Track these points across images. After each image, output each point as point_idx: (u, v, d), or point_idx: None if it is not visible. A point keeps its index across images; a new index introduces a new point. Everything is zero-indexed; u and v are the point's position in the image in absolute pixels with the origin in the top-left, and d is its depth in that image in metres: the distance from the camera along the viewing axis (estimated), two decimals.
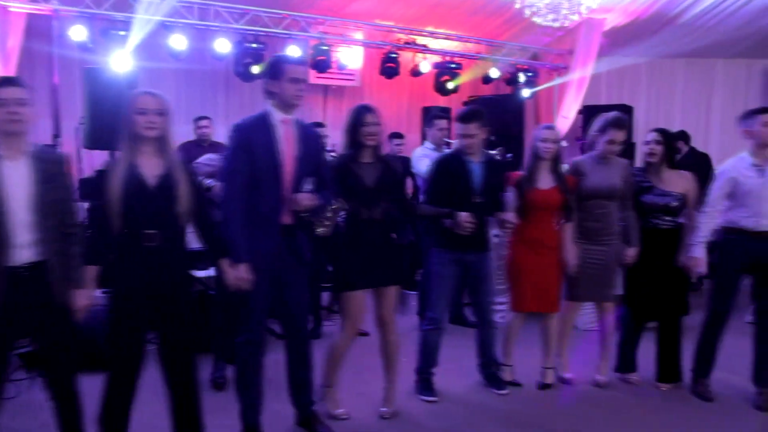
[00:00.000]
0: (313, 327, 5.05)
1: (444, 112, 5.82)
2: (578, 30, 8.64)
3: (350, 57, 7.72)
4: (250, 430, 3.11)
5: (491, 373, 3.98)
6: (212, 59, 7.24)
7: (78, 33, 6.29)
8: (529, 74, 8.85)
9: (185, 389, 2.82)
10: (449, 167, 3.69)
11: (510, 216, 3.70)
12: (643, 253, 3.91)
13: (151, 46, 6.76)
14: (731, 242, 3.79)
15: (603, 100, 9.52)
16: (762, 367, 3.86)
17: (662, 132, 3.95)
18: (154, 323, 2.72)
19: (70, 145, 6.13)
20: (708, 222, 3.83)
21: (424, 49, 8.12)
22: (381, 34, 7.95)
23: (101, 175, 2.68)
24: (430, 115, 5.68)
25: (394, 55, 7.82)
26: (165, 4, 6.50)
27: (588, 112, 9.07)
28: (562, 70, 9.05)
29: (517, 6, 5.40)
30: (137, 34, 6.40)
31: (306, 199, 2.93)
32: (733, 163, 3.87)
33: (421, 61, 8.08)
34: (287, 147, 2.96)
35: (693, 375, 3.97)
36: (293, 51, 7.33)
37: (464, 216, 3.45)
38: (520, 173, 3.92)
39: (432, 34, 8.13)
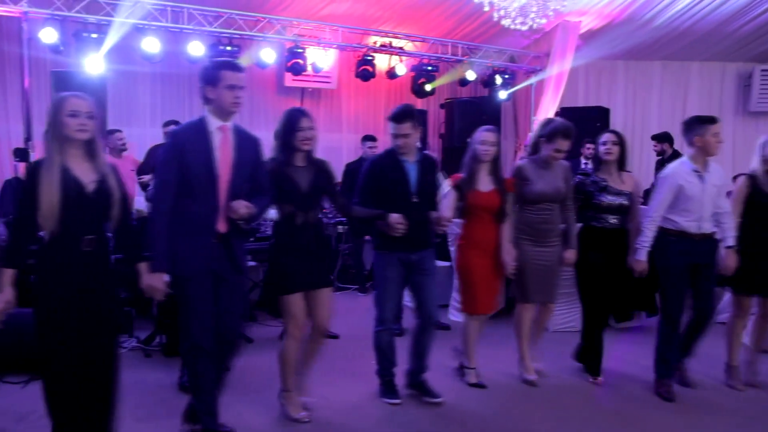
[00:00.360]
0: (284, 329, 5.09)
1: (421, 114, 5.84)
2: (554, 33, 8.73)
3: (325, 59, 7.72)
4: None
5: (421, 381, 3.82)
6: (186, 62, 7.22)
7: (48, 35, 6.25)
8: (506, 76, 8.90)
9: (104, 391, 2.76)
10: (384, 168, 3.62)
11: (445, 215, 3.66)
12: (598, 252, 3.99)
13: (124, 49, 6.75)
14: (674, 244, 3.86)
15: (581, 102, 9.63)
16: (685, 350, 4.04)
17: (617, 133, 4.07)
18: (81, 327, 2.66)
19: (41, 149, 6.08)
20: (653, 227, 3.90)
21: (400, 51, 8.14)
22: (356, 36, 7.96)
23: (30, 178, 2.61)
24: None
25: (369, 58, 7.84)
26: (138, 6, 6.49)
27: (565, 114, 9.18)
28: (539, 72, 9.11)
29: (486, 9, 5.41)
30: (110, 36, 6.38)
31: (242, 207, 2.90)
32: (675, 168, 3.95)
33: (397, 64, 8.09)
34: (223, 154, 2.91)
35: (655, 376, 4.01)
36: (267, 54, 7.35)
37: (395, 217, 3.38)
38: (460, 175, 3.92)
39: (408, 37, 8.15)
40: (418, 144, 3.95)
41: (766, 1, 7.73)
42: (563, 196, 3.95)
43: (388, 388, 3.76)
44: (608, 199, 3.96)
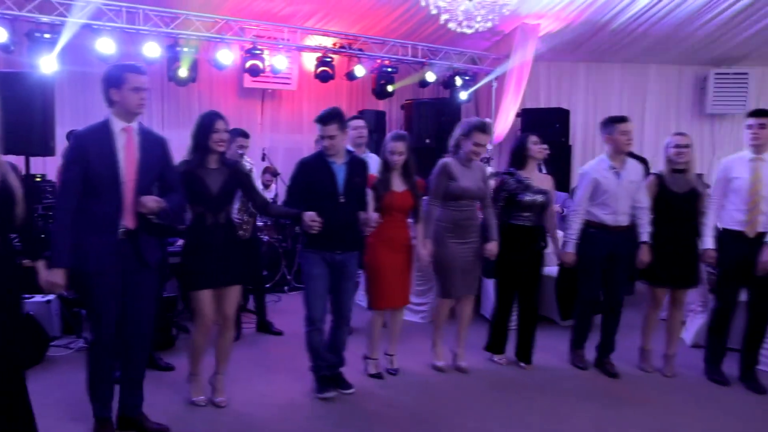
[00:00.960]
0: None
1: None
2: (514, 35, 8.84)
3: (283, 61, 7.73)
4: (101, 424, 3.21)
5: (337, 374, 3.96)
6: (144, 64, 7.18)
7: None
8: (466, 77, 8.98)
9: (13, 400, 2.78)
10: (312, 169, 3.72)
11: (374, 215, 3.79)
12: (516, 248, 4.24)
13: (79, 50, 6.70)
14: (593, 235, 4.22)
15: (542, 103, 9.76)
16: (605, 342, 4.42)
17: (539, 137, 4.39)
18: None
19: None
20: (578, 219, 4.26)
21: (359, 53, 8.18)
22: (316, 38, 7.98)
23: None
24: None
25: (328, 60, 7.87)
26: (91, 7, 6.45)
27: (525, 115, 9.30)
28: (500, 73, 9.21)
29: (434, 12, 5.47)
30: (63, 37, 6.33)
31: (151, 201, 2.98)
32: (593, 165, 4.32)
33: (355, 66, 8.13)
34: (128, 155, 3.01)
35: (570, 347, 4.50)
36: (225, 55, 7.34)
37: (309, 215, 3.46)
38: (375, 177, 4.06)
39: (368, 39, 8.19)
40: (367, 146, 4.09)
41: (717, 6, 7.92)
42: (484, 193, 4.19)
43: (321, 384, 3.87)
44: (529, 197, 4.19)
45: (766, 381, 4.16)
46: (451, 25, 5.46)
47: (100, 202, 2.98)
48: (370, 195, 3.97)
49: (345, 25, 7.98)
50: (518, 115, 9.24)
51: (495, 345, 4.51)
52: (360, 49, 8.17)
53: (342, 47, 8.06)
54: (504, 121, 9.14)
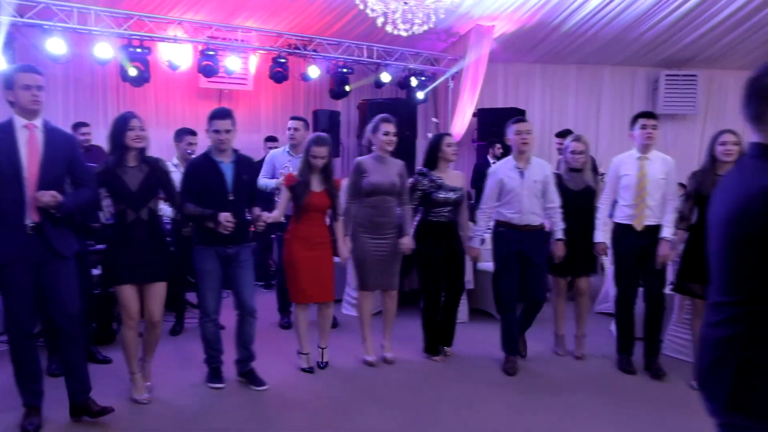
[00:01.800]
0: (175, 322, 5.23)
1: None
2: (469, 36, 9.00)
3: (237, 62, 7.81)
4: (28, 412, 3.30)
5: (249, 370, 4.04)
6: (96, 64, 7.24)
7: None
8: (422, 78, 9.13)
9: None
10: (201, 169, 3.84)
11: (265, 214, 3.94)
12: (435, 243, 4.37)
13: (31, 50, 6.73)
14: (502, 234, 4.38)
15: (500, 104, 9.94)
16: (521, 328, 4.58)
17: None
18: None
19: None
20: (483, 216, 4.43)
21: (315, 53, 8.29)
22: (270, 39, 8.07)
23: None
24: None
25: (282, 61, 7.96)
26: (40, 6, 6.48)
27: (481, 115, 9.46)
28: (456, 75, 9.38)
29: (370, 14, 5.59)
30: (7, 36, 6.36)
31: (46, 196, 3.06)
32: (499, 165, 4.50)
33: (310, 67, 8.23)
34: (30, 150, 3.12)
35: (503, 353, 4.45)
36: (179, 56, 7.41)
37: (224, 216, 3.63)
38: (292, 174, 4.22)
39: (324, 40, 8.29)
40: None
41: (664, 8, 8.14)
42: (398, 189, 4.31)
43: (213, 374, 4.03)
44: (443, 195, 4.34)
45: (674, 366, 4.39)
46: (388, 28, 5.58)
47: (4, 196, 3.08)
48: (285, 194, 4.16)
49: (300, 27, 8.07)
50: (475, 114, 9.41)
51: (430, 347, 4.61)
52: (315, 50, 8.27)
53: (296, 48, 8.15)
54: (461, 121, 9.30)
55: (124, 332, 3.68)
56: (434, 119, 7.47)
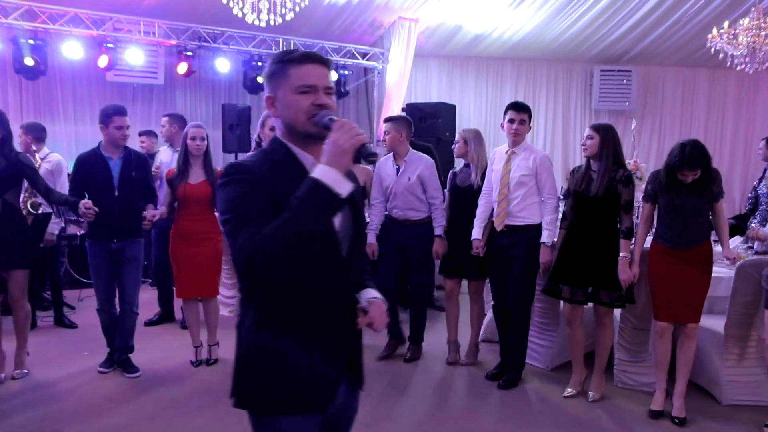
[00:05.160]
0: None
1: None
2: (393, 30, 8.74)
3: (138, 55, 7.54)
4: None
5: (125, 359, 4.21)
6: None
7: None
8: (346, 72, 8.88)
9: None
10: (90, 165, 3.99)
11: (150, 211, 4.06)
12: None
13: None
14: (385, 226, 4.50)
15: (434, 98, 9.67)
16: (413, 327, 4.62)
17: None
18: None
19: None
20: (374, 211, 4.50)
21: (227, 47, 8.03)
22: (179, 32, 7.80)
23: None
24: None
25: (189, 54, 7.71)
26: None
27: (410, 110, 9.19)
28: (383, 69, 9.13)
29: (224, 1, 5.33)
30: None
31: None
32: (381, 162, 4.48)
33: (219, 59, 7.98)
34: None
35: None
36: (73, 48, 7.16)
37: (84, 203, 3.74)
38: (173, 170, 4.22)
39: (235, 32, 8.03)
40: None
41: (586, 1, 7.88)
42: None
43: (106, 360, 4.25)
44: None
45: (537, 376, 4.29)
46: (249, 18, 5.32)
47: None
48: (165, 189, 4.25)
49: (210, 19, 7.79)
50: (403, 109, 9.14)
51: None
52: (227, 43, 8.01)
53: (205, 41, 7.90)
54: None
55: None
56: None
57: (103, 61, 7.27)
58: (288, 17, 5.35)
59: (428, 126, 8.79)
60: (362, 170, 4.47)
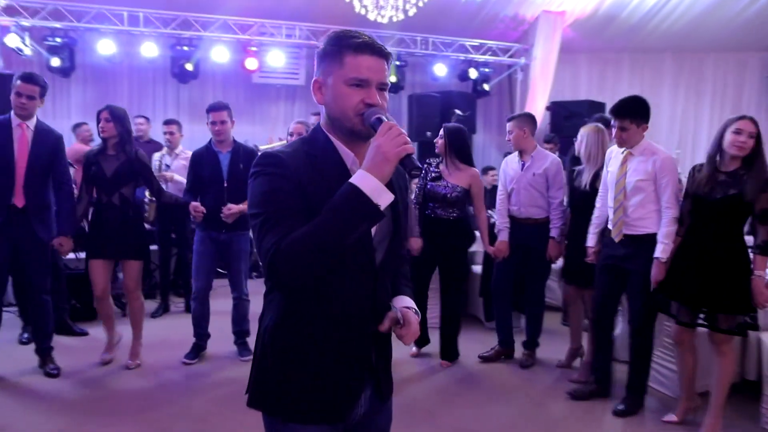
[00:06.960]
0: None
1: None
2: (537, 24, 8.27)
3: (281, 57, 7.79)
4: None
5: (243, 341, 4.41)
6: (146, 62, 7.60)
7: None
8: (486, 70, 8.56)
9: None
10: (201, 158, 4.21)
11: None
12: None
13: (86, 52, 7.21)
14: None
15: (583, 96, 9.05)
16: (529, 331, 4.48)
17: (444, 127, 4.32)
18: None
19: None
20: (503, 209, 4.40)
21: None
22: (319, 33, 7.95)
23: None
24: None
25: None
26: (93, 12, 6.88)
27: (555, 108, 8.66)
28: (525, 66, 8.69)
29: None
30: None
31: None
32: (506, 159, 4.48)
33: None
34: (21, 147, 3.69)
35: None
36: (220, 53, 7.54)
37: (193, 206, 4.06)
38: None
39: (374, 33, 8.03)
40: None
41: None
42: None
43: (191, 350, 4.35)
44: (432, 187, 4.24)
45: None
46: (371, 16, 5.20)
47: None
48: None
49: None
50: (548, 108, 8.65)
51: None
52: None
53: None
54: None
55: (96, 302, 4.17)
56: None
57: (252, 63, 7.59)
58: (411, 12, 5.18)
59: (573, 125, 8.22)
60: (468, 173, 4.21)
